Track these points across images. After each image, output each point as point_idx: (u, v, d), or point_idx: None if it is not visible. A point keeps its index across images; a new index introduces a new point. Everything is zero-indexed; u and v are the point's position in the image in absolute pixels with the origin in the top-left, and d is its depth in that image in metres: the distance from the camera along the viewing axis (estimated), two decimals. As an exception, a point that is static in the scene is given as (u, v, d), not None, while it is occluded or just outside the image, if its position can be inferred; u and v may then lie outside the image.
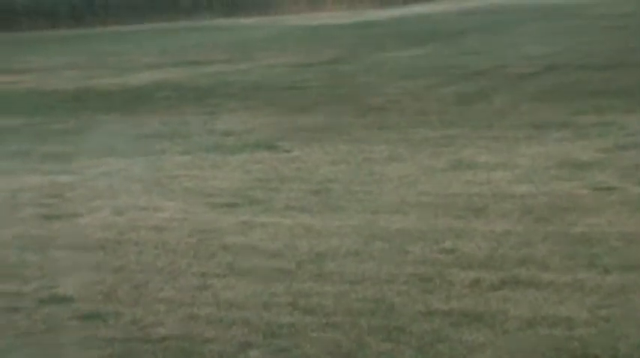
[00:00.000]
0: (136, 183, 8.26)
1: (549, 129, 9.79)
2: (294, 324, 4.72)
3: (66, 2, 39.25)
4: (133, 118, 12.60)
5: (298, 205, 7.13)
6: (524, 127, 10.07)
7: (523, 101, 12.13)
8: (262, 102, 13.70)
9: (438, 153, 8.89)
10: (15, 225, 6.96)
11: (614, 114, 10.51)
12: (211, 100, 14.14)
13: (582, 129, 9.72)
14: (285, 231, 6.40)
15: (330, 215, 6.80)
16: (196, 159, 9.34)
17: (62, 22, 39.10)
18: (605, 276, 5.13)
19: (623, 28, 22.62)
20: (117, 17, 38.65)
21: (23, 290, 5.44)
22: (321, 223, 6.57)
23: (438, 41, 22.68)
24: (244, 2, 41.05)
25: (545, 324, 4.54)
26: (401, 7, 38.30)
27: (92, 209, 7.35)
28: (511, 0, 35.36)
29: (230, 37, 28.51)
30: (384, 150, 9.19)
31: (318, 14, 37.82)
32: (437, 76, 15.55)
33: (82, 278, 5.60)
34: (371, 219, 6.61)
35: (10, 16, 37.66)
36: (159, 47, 26.14)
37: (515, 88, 13.56)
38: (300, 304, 4.99)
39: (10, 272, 5.82)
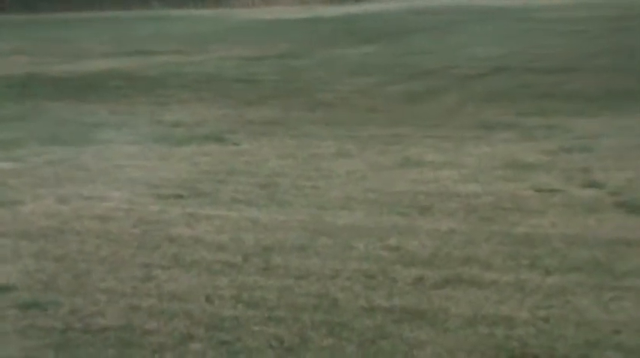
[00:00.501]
0: (81, 172, 8.18)
1: (496, 130, 9.89)
2: (237, 317, 4.70)
3: (15, -13, 38.79)
4: (82, 106, 12.48)
5: (245, 198, 7.12)
6: (471, 127, 10.16)
7: (471, 101, 12.25)
8: (213, 94, 13.66)
9: (386, 150, 8.93)
10: (-44, 211, 6.86)
11: (560, 117, 10.65)
12: (162, 91, 14.07)
13: (528, 130, 9.83)
14: (232, 224, 6.38)
15: (277, 209, 6.80)
16: (144, 149, 9.28)
17: (11, 8, 38.58)
18: (546, 277, 5.19)
19: (572, 32, 22.91)
20: (67, 4, 38.23)
21: (-38, 278, 5.36)
22: (267, 217, 6.56)
23: (388, 39, 22.78)
24: (197, -7, 40.86)
25: (486, 323, 4.58)
26: (353, 5, 38.39)
27: (36, 197, 7.26)
28: (462, 1, 35.60)
29: (183, 28, 28.36)
30: (331, 145, 9.21)
31: (272, 8, 37.77)
32: (386, 74, 15.63)
33: (22, 266, 5.53)
34: (317, 214, 6.62)
35: (-42, -1, 37.14)
36: (111, 35, 25.93)
37: (464, 89, 13.67)
38: (244, 297, 4.97)
39: (-51, 259, 5.73)
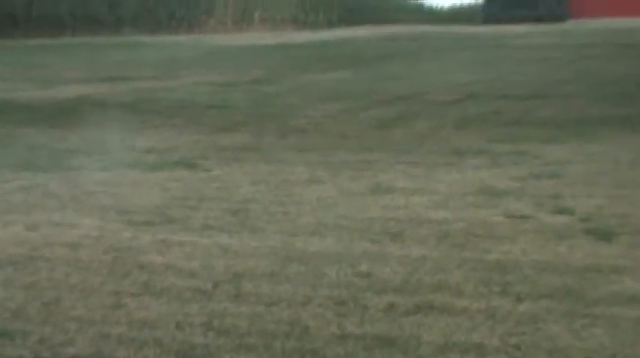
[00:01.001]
0: (52, 199, 8.13)
1: (467, 157, 9.93)
2: (208, 345, 4.68)
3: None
4: (54, 132, 12.41)
5: (216, 225, 7.10)
6: (442, 154, 10.20)
7: (442, 128, 12.30)
8: (186, 120, 13.64)
9: (357, 176, 8.94)
10: None
11: (531, 144, 10.71)
12: (135, 117, 14.02)
13: (499, 157, 9.87)
14: (203, 251, 6.36)
15: (248, 235, 6.79)
16: (116, 175, 9.24)
17: (-18, 33, 38.42)
18: (518, 304, 5.20)
19: (544, 60, 23.10)
20: (39, 30, 38.13)
21: None
22: (238, 243, 6.55)
23: (360, 66, 22.87)
24: (169, 20, 40.89)
25: (457, 350, 4.58)
26: (325, 31, 38.56)
27: (5, 224, 7.21)
28: (434, 28, 35.83)
29: (156, 55, 28.34)
30: (303, 172, 9.21)
31: (244, 35, 37.86)
32: (358, 100, 15.68)
33: (-10, 294, 5.48)
34: (288, 240, 6.61)
35: None
36: (84, 62, 25.86)
37: (436, 115, 13.72)
38: (215, 325, 4.95)
39: None
